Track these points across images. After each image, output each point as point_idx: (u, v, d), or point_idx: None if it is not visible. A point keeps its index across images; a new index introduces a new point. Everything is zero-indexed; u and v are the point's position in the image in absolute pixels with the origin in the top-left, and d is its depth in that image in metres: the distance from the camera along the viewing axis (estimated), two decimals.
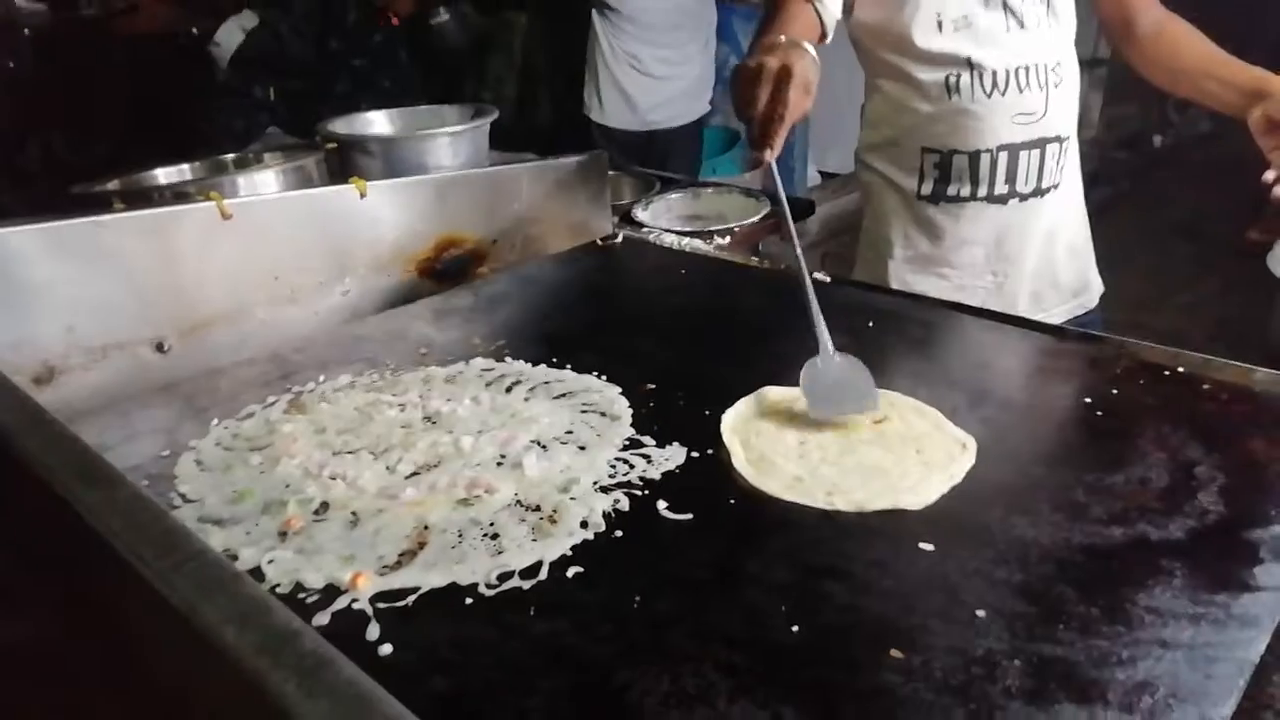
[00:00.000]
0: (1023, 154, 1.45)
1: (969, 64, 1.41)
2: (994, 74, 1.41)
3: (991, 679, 0.65)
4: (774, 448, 0.97)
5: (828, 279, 1.44)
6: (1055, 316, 1.56)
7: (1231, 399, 1.03)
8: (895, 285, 1.61)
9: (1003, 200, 1.48)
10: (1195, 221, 2.26)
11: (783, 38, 1.16)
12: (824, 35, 1.37)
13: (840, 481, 0.91)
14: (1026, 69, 1.41)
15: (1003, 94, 1.42)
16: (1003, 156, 1.45)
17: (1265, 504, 0.84)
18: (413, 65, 3.10)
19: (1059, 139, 1.47)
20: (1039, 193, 1.49)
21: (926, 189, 1.52)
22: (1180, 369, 1.09)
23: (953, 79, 1.42)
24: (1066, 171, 1.53)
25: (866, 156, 1.62)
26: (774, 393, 1.08)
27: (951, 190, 1.50)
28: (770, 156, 1.09)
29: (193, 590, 0.44)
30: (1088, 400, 1.05)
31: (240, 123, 2.76)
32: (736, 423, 1.02)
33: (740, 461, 0.94)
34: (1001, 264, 1.55)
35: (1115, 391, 1.06)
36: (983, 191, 1.48)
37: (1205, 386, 1.05)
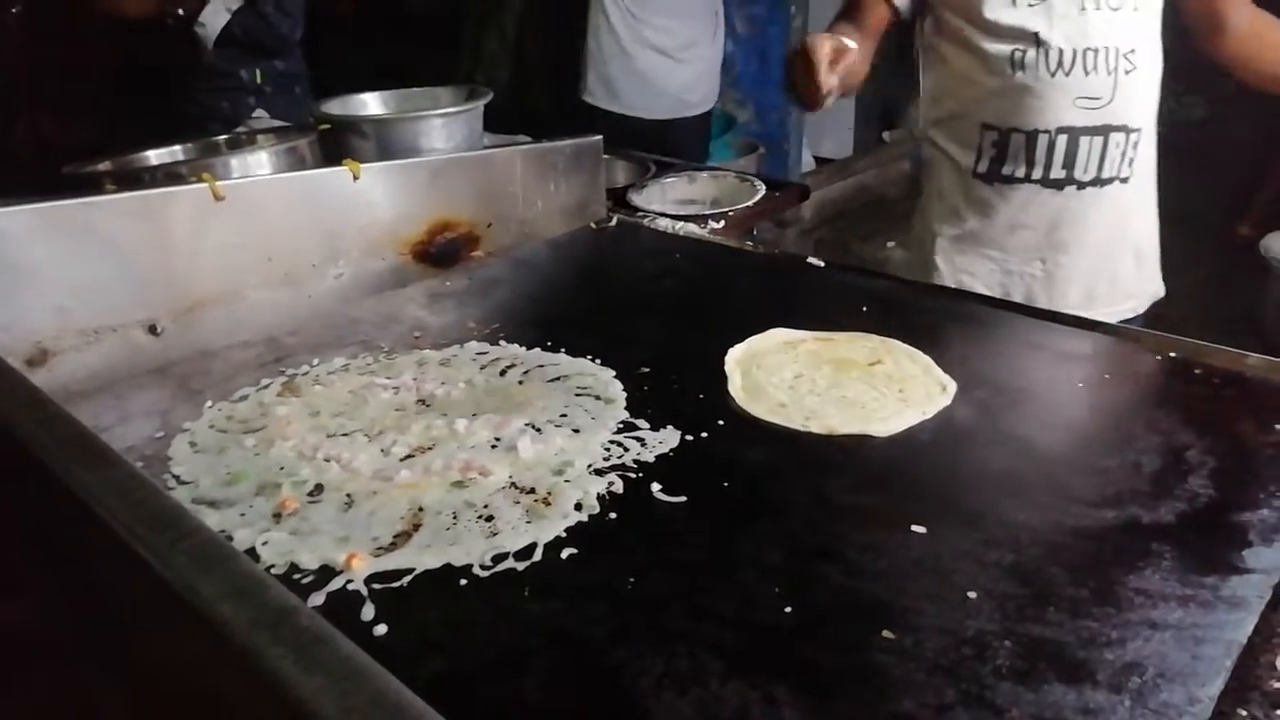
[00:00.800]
0: (1084, 139, 1.41)
1: (1036, 40, 1.37)
2: (1060, 53, 1.37)
3: (982, 659, 0.66)
4: (770, 379, 1.06)
5: (821, 264, 1.44)
6: (1108, 316, 1.47)
7: (1223, 384, 1.04)
8: (941, 263, 1.58)
9: (1058, 185, 1.44)
10: (1187, 208, 2.26)
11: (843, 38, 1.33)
12: (897, 16, 1.48)
13: (819, 409, 1.00)
14: (1095, 51, 1.37)
15: (1067, 74, 1.38)
16: (1061, 139, 1.41)
17: (1255, 488, 0.85)
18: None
19: (1126, 129, 1.41)
20: (1099, 182, 1.44)
21: (983, 166, 1.48)
22: (1173, 354, 1.10)
23: (1019, 55, 1.39)
24: (1137, 166, 1.46)
25: (930, 131, 1.60)
26: (782, 333, 1.18)
27: (1007, 170, 1.46)
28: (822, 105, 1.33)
29: (190, 567, 0.45)
30: (1080, 385, 1.05)
31: (226, 106, 2.73)
32: (742, 356, 1.12)
33: (735, 388, 1.05)
34: (1053, 253, 1.51)
35: (1108, 376, 1.07)
36: (1038, 174, 1.44)
37: (1197, 371, 1.06)
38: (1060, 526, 0.80)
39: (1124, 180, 1.45)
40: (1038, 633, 0.68)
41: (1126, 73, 1.39)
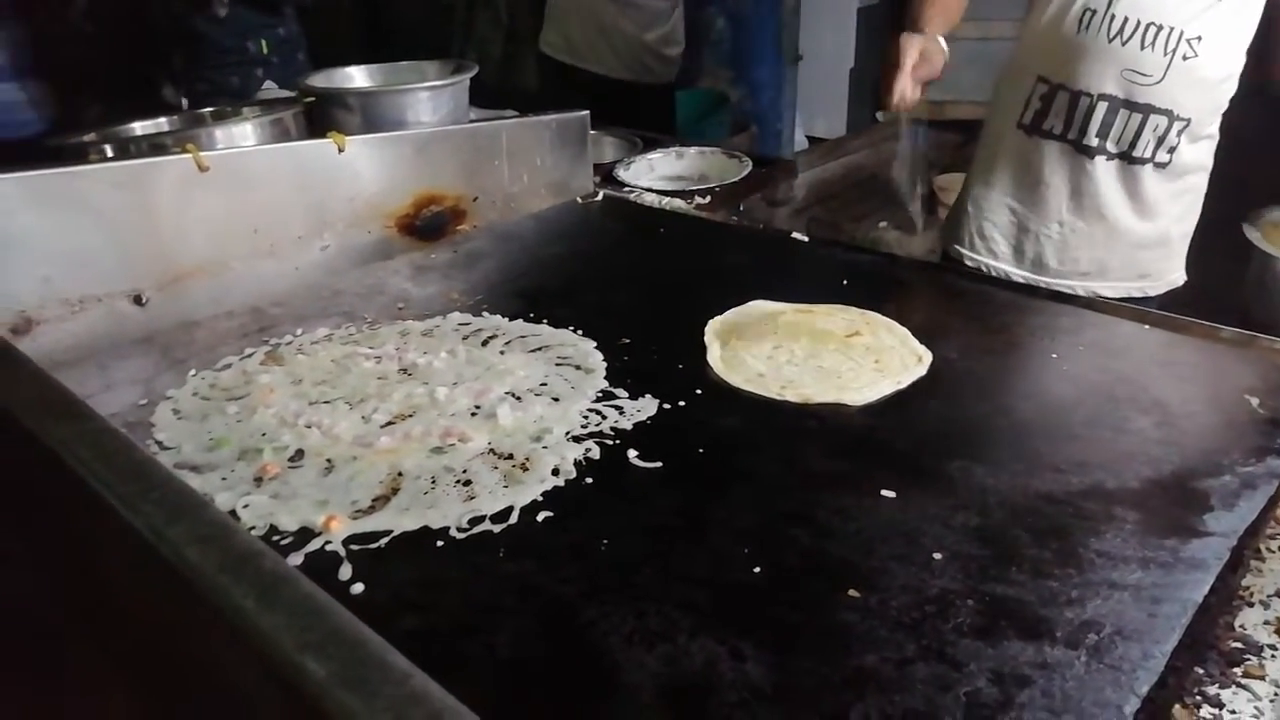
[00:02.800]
0: (1122, 111, 1.40)
1: (1107, 4, 1.38)
2: (1124, 21, 1.37)
3: (944, 617, 0.67)
4: (748, 350, 1.07)
5: (805, 239, 1.45)
6: (1118, 290, 1.51)
7: (1195, 355, 1.05)
8: (970, 207, 1.61)
9: (1089, 153, 1.45)
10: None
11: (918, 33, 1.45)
12: None
13: (796, 379, 1.01)
14: (1158, 28, 1.35)
15: (1124, 43, 1.37)
16: (1101, 106, 1.41)
17: (1219, 455, 0.87)
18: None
19: (1171, 115, 1.39)
20: (1129, 159, 1.44)
21: (1027, 118, 1.50)
22: (1147, 326, 1.11)
23: (1087, 14, 1.40)
24: (1179, 158, 1.43)
25: (998, 80, 1.62)
26: (762, 305, 1.19)
27: (1047, 125, 1.48)
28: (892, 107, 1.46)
29: (159, 515, 0.46)
30: (1054, 355, 1.06)
31: (236, 81, 2.71)
32: (721, 327, 1.13)
33: (714, 359, 1.06)
34: (1071, 217, 1.51)
35: (1082, 348, 1.08)
36: (1073, 135, 1.45)
37: (1171, 344, 1.07)
38: (1027, 491, 0.82)
39: (1160, 166, 1.44)
40: (1000, 592, 0.70)
41: (1185, 59, 1.36)
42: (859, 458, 0.88)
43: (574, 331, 1.14)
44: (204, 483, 0.85)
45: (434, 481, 0.85)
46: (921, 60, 1.43)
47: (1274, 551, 0.77)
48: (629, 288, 1.31)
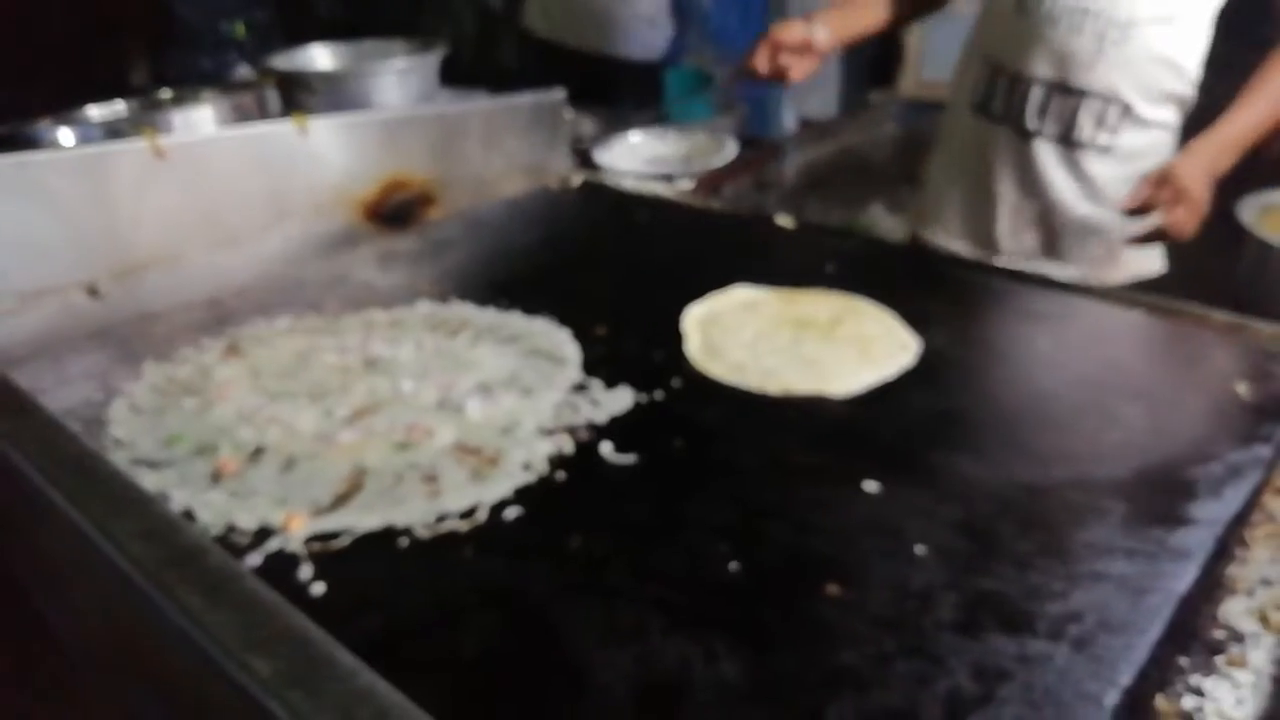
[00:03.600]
0: (1056, 96, 1.41)
1: None
2: (1055, 4, 1.38)
3: (924, 611, 0.65)
4: (728, 339, 1.04)
5: (789, 224, 1.42)
6: (1066, 274, 1.48)
7: (1184, 341, 1.04)
8: (929, 185, 1.63)
9: (1030, 136, 1.46)
10: None
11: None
12: None
13: (777, 369, 0.98)
14: (1084, 12, 1.36)
15: (1056, 27, 1.38)
16: (1038, 90, 1.42)
17: (1207, 443, 0.85)
18: None
19: (1107, 98, 1.39)
20: (1068, 143, 1.44)
21: (977, 99, 1.52)
22: (1136, 312, 1.10)
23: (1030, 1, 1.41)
24: (1123, 142, 1.42)
25: (957, 64, 1.63)
26: (744, 292, 1.16)
27: (992, 108, 1.50)
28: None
29: (102, 511, 0.44)
30: (1041, 343, 1.05)
31: (208, 62, 2.65)
32: (701, 316, 1.10)
33: (693, 348, 1.03)
34: (1019, 199, 1.51)
35: (1069, 335, 1.06)
36: (1014, 117, 1.47)
37: (1159, 331, 1.06)
38: (1012, 482, 0.80)
39: (1103, 150, 1.43)
40: (983, 585, 0.68)
41: (1115, 42, 1.36)
42: (841, 450, 0.86)
43: (548, 321, 1.11)
44: (160, 480, 0.82)
45: (398, 478, 0.82)
46: (796, 47, 1.43)
47: (1259, 540, 0.75)
48: (605, 275, 1.28)
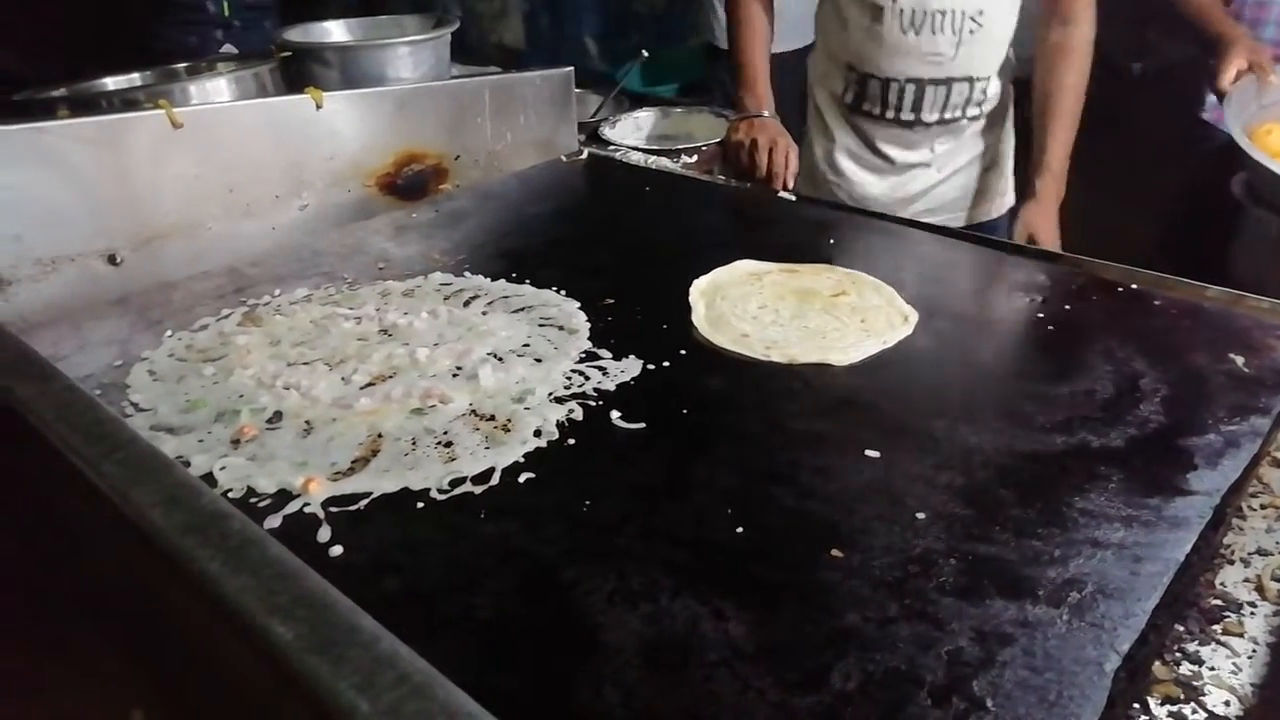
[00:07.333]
0: (929, 89, 1.53)
1: (893, 1, 1.48)
2: (912, 14, 1.47)
3: (926, 576, 0.67)
4: (733, 310, 1.06)
5: (792, 197, 1.43)
6: (975, 216, 1.68)
7: (1181, 314, 1.05)
8: (833, 169, 1.68)
9: (909, 125, 1.57)
10: (1170, 149, 2.25)
11: (765, 113, 1.57)
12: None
13: (781, 339, 1.00)
14: (942, 14, 1.46)
15: (917, 33, 1.48)
16: (910, 88, 1.53)
17: (1204, 414, 0.86)
18: None
19: (970, 79, 1.53)
20: (944, 123, 1.57)
21: (849, 99, 1.61)
22: (1134, 285, 1.11)
23: (875, 12, 1.49)
24: (986, 106, 1.58)
25: (811, 58, 1.73)
26: (748, 265, 1.18)
27: (866, 107, 1.59)
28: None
29: (123, 476, 0.45)
30: (1041, 315, 1.06)
31: (194, 40, 2.65)
32: (707, 287, 1.12)
33: (699, 319, 1.04)
34: (910, 168, 1.62)
35: (1068, 307, 1.07)
36: (890, 114, 1.57)
37: (1157, 302, 1.07)
38: (1012, 451, 0.81)
39: (975, 119, 1.59)
40: (983, 551, 0.70)
41: (971, 33, 1.48)
42: (843, 417, 0.88)
43: (557, 292, 1.12)
44: (180, 445, 0.84)
45: (414, 443, 0.84)
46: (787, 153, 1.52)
47: (1255, 510, 0.77)
48: (613, 247, 1.29)
